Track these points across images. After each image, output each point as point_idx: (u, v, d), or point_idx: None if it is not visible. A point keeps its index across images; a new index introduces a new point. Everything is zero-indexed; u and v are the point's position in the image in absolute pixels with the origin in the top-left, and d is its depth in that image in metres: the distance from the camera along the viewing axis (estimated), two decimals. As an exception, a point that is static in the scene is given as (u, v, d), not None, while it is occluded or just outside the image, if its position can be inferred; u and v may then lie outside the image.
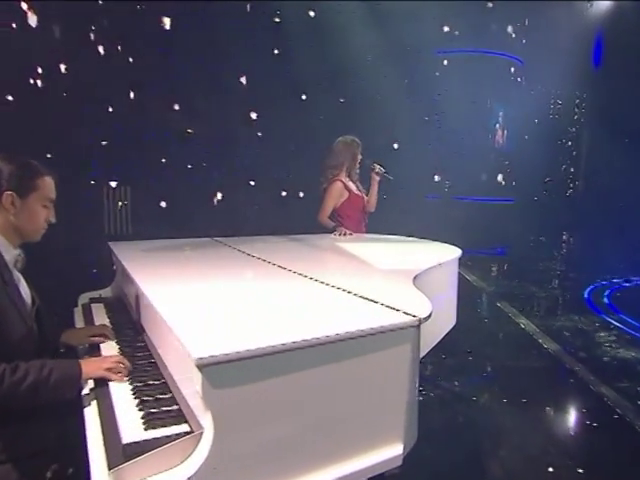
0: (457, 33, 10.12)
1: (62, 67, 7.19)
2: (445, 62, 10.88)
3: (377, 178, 3.65)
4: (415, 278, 1.79)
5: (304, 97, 9.28)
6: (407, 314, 1.30)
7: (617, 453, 2.64)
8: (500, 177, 11.71)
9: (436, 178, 11.35)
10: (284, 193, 8.11)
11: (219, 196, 9.45)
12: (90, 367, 1.48)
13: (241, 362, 1.02)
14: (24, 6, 6.82)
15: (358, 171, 3.70)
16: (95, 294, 2.50)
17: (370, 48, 9.81)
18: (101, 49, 7.79)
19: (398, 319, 1.26)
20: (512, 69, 11.18)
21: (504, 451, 2.68)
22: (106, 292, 2.54)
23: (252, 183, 9.67)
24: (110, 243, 2.64)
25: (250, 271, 1.94)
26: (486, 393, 3.33)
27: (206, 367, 1.00)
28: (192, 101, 9.37)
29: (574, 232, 11.38)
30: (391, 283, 1.81)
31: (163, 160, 9.23)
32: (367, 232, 3.70)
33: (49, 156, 7.97)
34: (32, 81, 6.92)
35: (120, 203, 9.07)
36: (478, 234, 10.74)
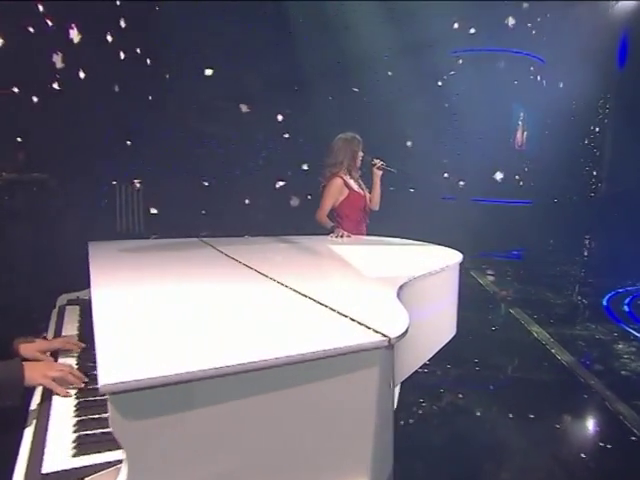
0: (473, 31, 9.86)
1: (80, 67, 7.22)
2: (460, 61, 10.65)
3: (379, 173, 3.46)
4: (403, 287, 1.61)
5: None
6: (377, 332, 1.11)
7: (632, 479, 2.41)
8: (517, 178, 11.40)
9: (451, 179, 11.14)
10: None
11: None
12: (34, 372, 1.32)
13: (159, 389, 0.85)
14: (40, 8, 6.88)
15: (360, 170, 3.53)
16: (73, 296, 2.38)
17: (384, 47, 9.66)
18: (118, 49, 7.85)
19: (363, 339, 1.07)
20: (532, 68, 10.84)
21: (506, 473, 2.47)
22: (86, 294, 2.42)
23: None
24: (90, 243, 2.52)
25: (217, 276, 1.78)
26: (491, 407, 3.11)
27: (114, 395, 0.84)
28: (211, 102, 9.41)
29: (595, 236, 10.98)
30: (370, 293, 1.62)
31: (177, 159, 9.29)
32: (368, 233, 3.53)
33: (66, 155, 8.06)
34: (51, 84, 6.97)
35: (132, 202, 9.13)
36: (494, 237, 10.47)
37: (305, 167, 9.59)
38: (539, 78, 11.03)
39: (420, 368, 3.65)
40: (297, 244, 2.68)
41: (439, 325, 2.15)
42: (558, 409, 3.10)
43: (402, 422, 2.87)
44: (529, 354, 4.12)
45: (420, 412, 3.01)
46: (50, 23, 6.88)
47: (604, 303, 5.75)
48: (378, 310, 1.36)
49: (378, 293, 1.54)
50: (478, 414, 3.00)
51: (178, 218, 8.12)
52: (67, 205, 7.68)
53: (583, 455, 2.61)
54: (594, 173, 12.41)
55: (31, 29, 6.65)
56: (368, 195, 3.51)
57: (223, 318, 1.28)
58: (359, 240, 3.08)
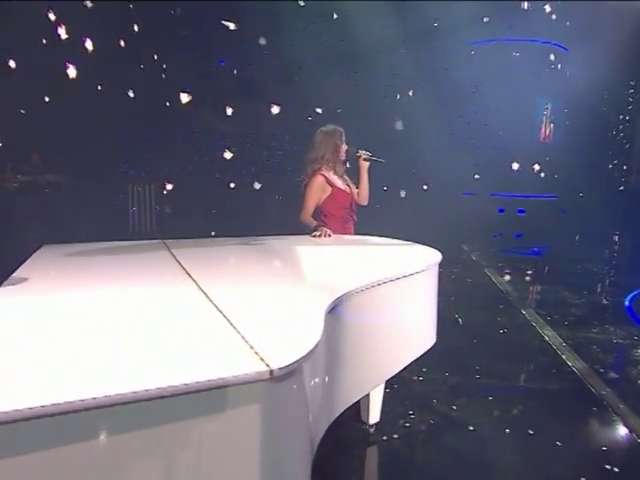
0: (486, 20, 9.45)
1: (94, 69, 7.20)
2: (472, 52, 10.26)
3: (365, 165, 3.22)
4: (346, 297, 1.38)
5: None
6: (262, 360, 0.89)
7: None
8: (539, 170, 10.90)
9: (470, 174, 10.74)
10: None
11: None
12: None
13: None
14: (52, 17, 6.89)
15: (346, 165, 3.30)
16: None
17: (397, 38, 9.36)
18: (133, 54, 7.82)
19: (234, 370, 0.86)
20: (552, 56, 10.34)
21: (495, 499, 2.21)
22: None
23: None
24: (45, 246, 2.38)
25: (140, 284, 1.58)
26: (487, 421, 2.83)
27: None
28: (226, 100, 9.33)
29: (623, 231, 10.41)
30: (295, 305, 1.38)
31: (190, 161, 9.24)
32: (356, 231, 3.30)
33: (80, 156, 8.09)
34: (65, 86, 6.97)
35: (145, 203, 9.12)
36: (514, 233, 10.06)
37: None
38: (560, 66, 10.50)
39: (415, 375, 3.44)
40: (264, 246, 2.47)
41: (407, 336, 1.90)
42: (561, 424, 2.80)
43: (385, 437, 2.63)
44: (537, 360, 3.81)
45: (407, 425, 2.76)
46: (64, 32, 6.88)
47: (626, 303, 5.35)
48: (286, 328, 1.14)
49: (305, 305, 1.31)
50: (471, 428, 2.73)
51: (190, 218, 8.07)
52: (80, 206, 7.70)
53: (584, 479, 2.32)
54: (624, 166, 11.80)
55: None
56: (355, 191, 3.29)
57: (85, 340, 1.07)
58: (337, 240, 2.85)
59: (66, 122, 7.07)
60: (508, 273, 6.94)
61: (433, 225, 9.08)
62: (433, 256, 2.23)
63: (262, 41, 9.07)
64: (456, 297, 5.48)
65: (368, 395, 2.54)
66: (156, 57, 8.49)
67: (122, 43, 7.80)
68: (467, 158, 10.55)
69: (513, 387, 3.31)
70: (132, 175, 8.97)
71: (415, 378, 3.37)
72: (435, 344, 4.04)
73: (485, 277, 6.63)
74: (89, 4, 7.28)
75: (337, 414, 1.44)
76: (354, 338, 1.40)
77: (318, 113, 8.96)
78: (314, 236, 2.91)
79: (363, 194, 3.29)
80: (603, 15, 9.35)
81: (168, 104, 8.93)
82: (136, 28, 8.00)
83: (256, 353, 0.92)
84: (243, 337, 0.99)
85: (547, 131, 11.58)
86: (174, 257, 2.01)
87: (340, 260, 2.26)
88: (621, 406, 3.00)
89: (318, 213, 3.20)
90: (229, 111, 9.43)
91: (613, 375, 3.48)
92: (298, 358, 0.91)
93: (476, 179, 10.46)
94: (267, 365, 0.87)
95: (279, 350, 0.93)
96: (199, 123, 10.11)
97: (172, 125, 9.56)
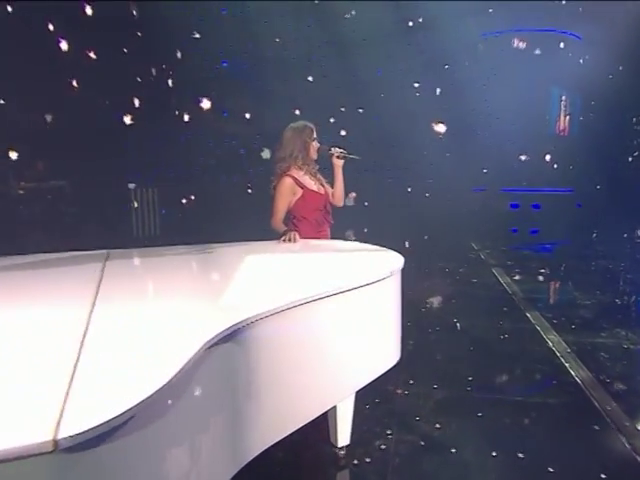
0: (491, 10, 9.09)
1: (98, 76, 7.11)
2: (480, 46, 9.93)
3: (339, 163, 2.98)
4: (259, 320, 1.15)
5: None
6: (59, 425, 0.67)
7: None
8: (555, 163, 10.47)
9: (482, 169, 10.38)
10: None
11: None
12: None
13: None
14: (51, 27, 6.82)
15: (317, 166, 3.06)
16: None
17: (400, 32, 9.09)
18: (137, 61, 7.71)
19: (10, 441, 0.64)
20: (562, 44, 9.92)
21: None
22: None
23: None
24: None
25: (31, 303, 1.38)
26: (472, 442, 2.56)
27: None
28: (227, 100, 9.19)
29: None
30: (178, 330, 1.14)
31: (195, 163, 9.12)
32: (331, 235, 3.06)
33: (85, 159, 8.04)
34: (70, 92, 6.90)
35: (148, 205, 9.05)
36: (529, 229, 9.67)
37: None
38: (573, 55, 10.06)
39: (399, 389, 3.18)
40: (214, 254, 2.25)
41: (348, 360, 1.65)
42: (557, 446, 2.51)
43: (356, 461, 2.38)
44: (537, 370, 3.50)
45: (382, 448, 2.51)
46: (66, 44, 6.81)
47: (641, 304, 4.99)
48: (139, 368, 0.90)
49: (191, 330, 1.08)
50: (453, 451, 2.46)
51: (194, 221, 7.93)
52: (83, 211, 7.65)
53: (577, 513, 2.04)
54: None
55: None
56: (330, 191, 3.05)
57: None
58: (298, 246, 2.59)
59: (70, 128, 7.02)
60: (517, 272, 6.57)
61: (442, 222, 8.80)
62: (392, 264, 1.97)
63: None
64: (457, 299, 5.20)
65: (335, 415, 2.31)
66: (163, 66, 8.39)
67: (125, 50, 7.67)
68: (477, 153, 10.24)
69: (506, 401, 3.02)
70: (136, 179, 8.91)
71: (399, 391, 3.11)
72: (427, 353, 3.81)
73: (492, 277, 6.31)
74: (89, 12, 7.18)
75: (248, 460, 1.20)
76: (269, 368, 1.17)
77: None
78: (283, 241, 2.68)
79: (338, 194, 3.04)
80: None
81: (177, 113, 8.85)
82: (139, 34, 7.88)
83: (60, 413, 0.70)
84: (68, 390, 0.77)
85: (564, 123, 11.18)
86: (101, 270, 1.81)
87: (281, 271, 2.01)
88: (627, 424, 2.69)
89: (290, 217, 2.97)
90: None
91: (620, 387, 3.16)
92: (104, 421, 0.69)
93: (485, 173, 10.09)
94: (55, 433, 0.65)
95: (94, 407, 0.70)
96: (205, 126, 10.02)
97: (178, 129, 9.48)
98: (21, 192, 8.56)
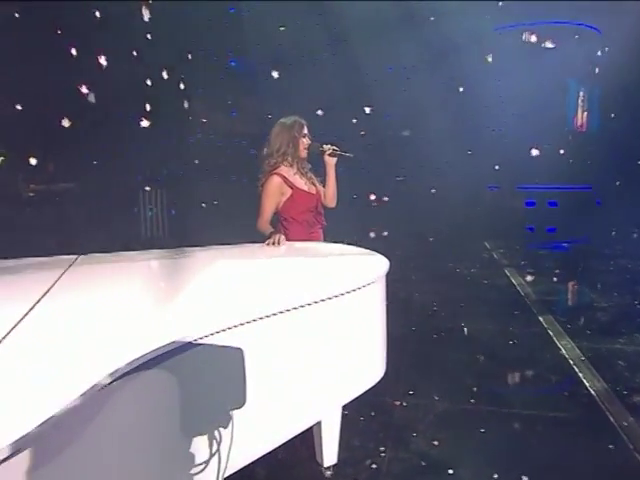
0: (500, 4, 8.80)
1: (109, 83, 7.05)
2: (492, 39, 9.63)
3: (332, 161, 2.80)
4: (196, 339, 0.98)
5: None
6: None
7: None
8: (572, 160, 10.10)
9: (497, 167, 10.08)
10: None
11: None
12: None
13: None
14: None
15: (309, 165, 2.88)
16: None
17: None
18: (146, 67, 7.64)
19: None
20: (576, 36, 9.57)
21: None
22: None
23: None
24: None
25: None
26: (472, 462, 2.35)
27: None
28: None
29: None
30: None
31: (204, 163, 9.03)
32: (324, 237, 2.88)
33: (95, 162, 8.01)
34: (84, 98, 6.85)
35: (155, 207, 8.99)
36: (542, 227, 9.35)
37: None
38: (590, 47, 9.71)
39: (398, 400, 2.99)
40: (188, 258, 2.09)
41: (332, 373, 1.47)
42: (565, 467, 2.28)
43: (343, 484, 2.21)
44: (547, 380, 3.27)
45: (373, 467, 2.32)
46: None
47: (664, 307, 4.70)
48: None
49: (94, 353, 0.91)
50: (450, 472, 2.26)
51: (203, 222, 7.82)
52: (91, 213, 7.61)
53: None
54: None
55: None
56: (322, 190, 2.87)
57: None
58: (281, 250, 2.40)
59: (81, 130, 6.99)
60: (530, 272, 6.30)
61: (454, 221, 8.55)
62: (375, 269, 1.78)
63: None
64: (466, 303, 4.96)
65: (320, 433, 2.13)
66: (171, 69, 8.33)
67: (135, 53, 7.59)
68: (491, 150, 9.98)
69: (513, 415, 2.79)
70: (145, 180, 8.88)
71: (397, 403, 2.92)
72: (430, 360, 3.59)
73: (504, 278, 6.05)
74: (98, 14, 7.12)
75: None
76: (230, 385, 0.99)
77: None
78: (267, 245, 2.51)
79: (330, 194, 2.85)
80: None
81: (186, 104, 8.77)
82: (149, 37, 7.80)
83: None
84: None
85: (582, 119, 10.84)
86: (60, 275, 1.66)
87: (252, 279, 1.83)
88: (645, 442, 2.46)
89: (279, 218, 2.80)
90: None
91: (639, 400, 2.92)
92: None
93: (499, 170, 9.81)
94: None
95: None
96: (214, 126, 9.93)
97: (188, 130, 9.40)
98: (31, 195, 8.60)
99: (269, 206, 2.72)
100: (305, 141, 2.76)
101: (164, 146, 8.67)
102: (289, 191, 2.72)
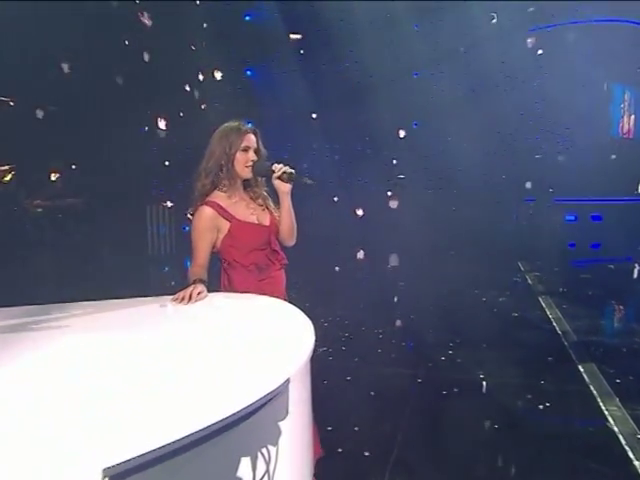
0: (532, 9, 8.05)
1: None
2: (529, 40, 8.84)
3: (284, 188, 2.07)
4: None
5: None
6: None
7: None
8: (618, 170, 9.05)
9: (532, 177, 9.18)
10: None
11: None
12: None
13: None
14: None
15: (264, 186, 2.18)
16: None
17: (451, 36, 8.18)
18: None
19: None
20: (617, 33, 8.63)
21: None
22: None
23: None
24: None
25: None
26: None
27: None
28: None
29: None
30: None
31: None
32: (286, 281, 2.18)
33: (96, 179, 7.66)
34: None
35: (162, 224, 8.60)
36: (584, 243, 8.37)
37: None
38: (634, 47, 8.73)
39: None
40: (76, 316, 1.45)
41: None
42: None
43: None
44: (586, 466, 2.44)
45: None
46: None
47: None
48: None
49: None
50: None
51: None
52: (97, 229, 7.24)
53: None
54: None
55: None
56: (277, 218, 2.16)
57: None
58: (175, 312, 1.71)
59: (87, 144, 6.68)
60: (570, 302, 5.38)
61: (487, 237, 7.70)
62: (288, 362, 1.07)
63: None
64: (489, 344, 4.14)
65: None
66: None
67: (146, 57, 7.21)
68: (527, 159, 9.14)
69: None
70: (153, 196, 8.51)
71: None
72: (435, 432, 2.77)
73: (537, 310, 5.17)
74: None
75: None
76: None
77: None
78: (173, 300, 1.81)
79: (285, 230, 2.12)
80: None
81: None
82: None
83: None
84: None
85: (628, 124, 9.86)
86: None
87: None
88: None
89: (220, 262, 2.12)
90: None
91: None
92: None
93: (535, 181, 8.97)
94: None
95: None
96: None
97: (201, 142, 8.97)
98: (39, 210, 8.36)
99: (202, 247, 2.02)
100: (248, 156, 2.07)
101: (175, 159, 8.28)
102: (226, 225, 2.03)
